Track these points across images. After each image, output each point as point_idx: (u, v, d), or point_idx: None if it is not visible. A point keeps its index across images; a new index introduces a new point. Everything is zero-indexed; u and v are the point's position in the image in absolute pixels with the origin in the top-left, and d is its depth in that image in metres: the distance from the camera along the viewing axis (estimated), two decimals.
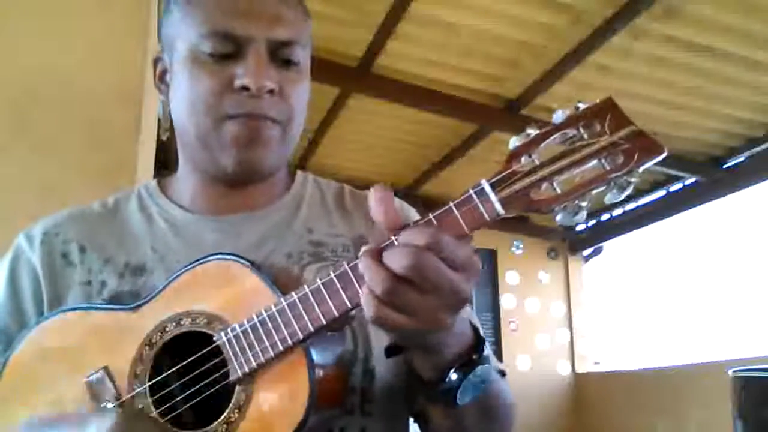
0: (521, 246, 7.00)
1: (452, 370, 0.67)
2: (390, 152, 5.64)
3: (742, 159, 5.14)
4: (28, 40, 1.70)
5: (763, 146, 4.91)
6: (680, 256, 6.42)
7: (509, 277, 6.94)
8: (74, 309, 0.78)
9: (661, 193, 5.92)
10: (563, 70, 4.18)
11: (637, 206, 6.25)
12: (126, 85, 1.75)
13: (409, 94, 4.53)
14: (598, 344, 7.13)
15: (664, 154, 0.59)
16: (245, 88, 0.78)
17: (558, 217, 0.61)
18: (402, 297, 0.59)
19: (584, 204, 0.60)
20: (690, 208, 5.72)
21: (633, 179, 0.59)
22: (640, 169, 0.59)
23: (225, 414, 0.67)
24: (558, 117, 0.62)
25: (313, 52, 0.90)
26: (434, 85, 4.50)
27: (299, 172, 0.97)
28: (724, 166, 5.27)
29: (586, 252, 7.27)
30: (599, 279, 7.33)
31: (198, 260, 0.74)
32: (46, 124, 1.66)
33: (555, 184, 0.61)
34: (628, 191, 0.60)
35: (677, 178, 5.65)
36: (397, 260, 0.59)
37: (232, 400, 0.67)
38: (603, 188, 0.60)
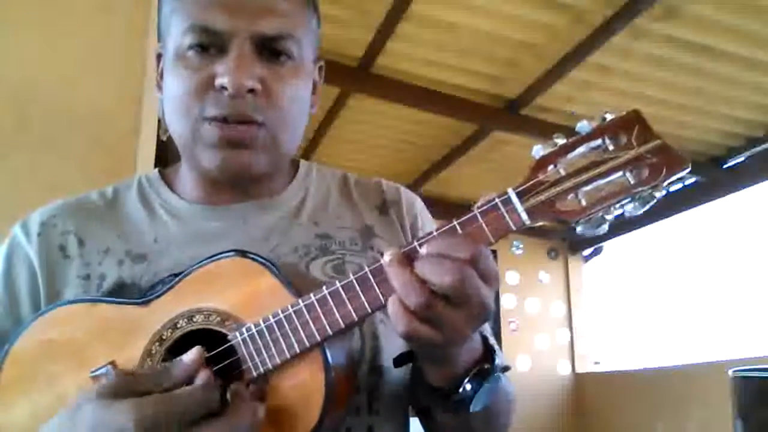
0: (521, 246, 6.87)
1: (466, 381, 0.67)
2: (390, 152, 5.65)
3: (742, 159, 5.14)
4: (28, 41, 1.70)
5: (763, 146, 4.91)
6: (680, 256, 6.42)
7: (509, 277, 6.94)
8: (79, 301, 0.75)
9: None
10: (563, 70, 4.18)
11: None
12: (126, 85, 1.75)
13: (409, 94, 4.53)
14: (598, 344, 7.13)
15: (688, 168, 0.59)
16: (224, 88, 0.73)
17: (579, 228, 0.61)
18: (436, 311, 0.58)
19: (608, 217, 0.60)
20: (690, 208, 5.72)
21: (657, 194, 0.59)
22: (665, 184, 0.59)
23: None
24: (584, 127, 0.62)
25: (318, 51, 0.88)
26: (434, 85, 4.50)
27: (302, 162, 0.93)
28: (724, 166, 5.26)
29: (586, 252, 7.28)
30: (599, 279, 7.33)
31: (212, 256, 0.71)
32: (47, 125, 1.66)
33: (580, 195, 0.60)
34: (651, 204, 0.60)
35: (677, 178, 5.64)
36: (437, 274, 0.58)
37: None
38: (627, 201, 0.60)
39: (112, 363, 0.69)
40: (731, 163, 5.23)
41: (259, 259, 0.69)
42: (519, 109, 4.69)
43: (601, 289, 7.30)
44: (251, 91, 0.74)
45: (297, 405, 0.65)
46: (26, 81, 1.68)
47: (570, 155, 0.61)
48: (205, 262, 0.71)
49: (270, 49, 0.76)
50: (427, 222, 0.93)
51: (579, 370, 6.96)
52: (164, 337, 0.69)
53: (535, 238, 6.99)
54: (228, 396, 0.61)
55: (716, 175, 5.28)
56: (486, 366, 0.68)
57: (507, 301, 6.90)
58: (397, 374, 0.81)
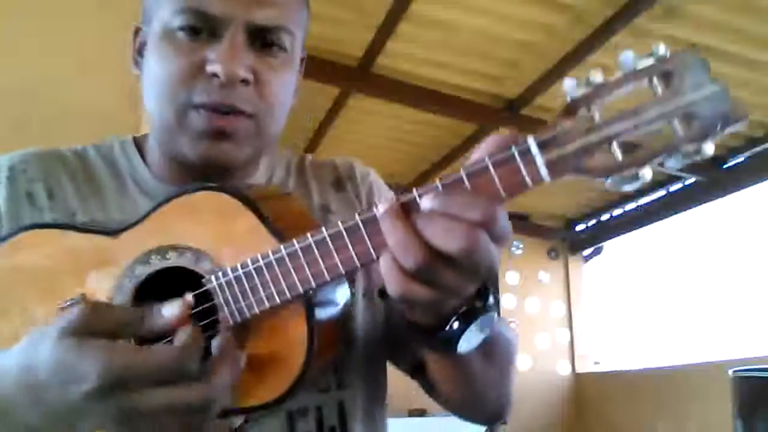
0: (521, 246, 6.99)
1: (454, 319, 0.61)
2: (389, 152, 5.64)
3: (742, 159, 5.14)
4: (29, 41, 1.70)
5: (763, 146, 4.91)
6: (680, 256, 6.41)
7: (509, 277, 6.93)
8: (50, 226, 0.71)
9: (661, 193, 5.92)
10: (563, 70, 4.17)
11: (637, 206, 6.24)
12: (126, 85, 1.75)
13: (409, 94, 4.53)
14: (598, 344, 7.13)
15: (746, 120, 0.50)
16: (215, 75, 0.72)
17: (608, 182, 0.51)
18: (437, 274, 0.53)
19: (644, 173, 0.50)
20: (690, 208, 5.72)
21: (708, 149, 0.49)
22: (717, 138, 0.50)
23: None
24: (628, 61, 0.50)
25: (313, 51, 0.87)
26: (434, 85, 4.50)
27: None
28: (724, 166, 5.26)
29: (586, 252, 7.27)
30: (599, 279, 7.33)
31: (185, 189, 0.66)
32: (47, 125, 1.66)
33: (614, 147, 0.50)
34: (693, 160, 0.50)
35: (677, 178, 5.64)
36: (446, 237, 0.51)
37: None
38: (669, 155, 0.50)
39: (83, 296, 0.66)
40: (731, 163, 5.22)
41: (239, 194, 0.63)
42: (519, 109, 4.69)
43: (601, 289, 7.30)
44: (243, 81, 0.73)
45: (277, 357, 0.61)
46: (26, 81, 1.68)
47: (608, 97, 0.50)
48: (176, 195, 0.66)
49: (263, 39, 0.75)
50: (383, 190, 0.93)
51: (579, 370, 6.95)
52: (136, 272, 0.66)
53: (535, 238, 6.99)
54: (212, 348, 0.56)
55: (716, 175, 5.28)
56: (477, 305, 0.62)
57: (507, 301, 6.89)
58: (369, 338, 0.79)
